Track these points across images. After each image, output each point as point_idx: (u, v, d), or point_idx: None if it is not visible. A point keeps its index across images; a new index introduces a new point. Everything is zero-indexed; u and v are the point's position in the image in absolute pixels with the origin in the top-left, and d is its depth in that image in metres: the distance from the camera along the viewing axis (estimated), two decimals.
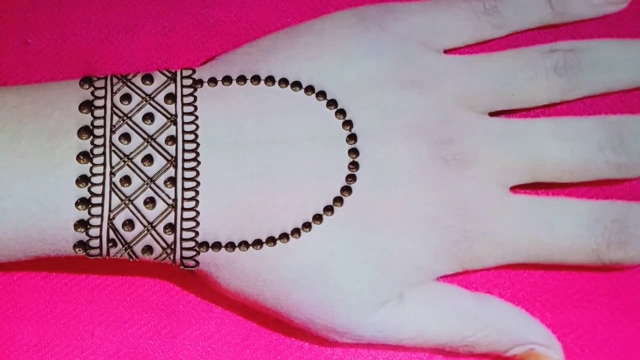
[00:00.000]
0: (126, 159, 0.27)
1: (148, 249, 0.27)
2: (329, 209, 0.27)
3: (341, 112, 0.28)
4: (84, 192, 0.26)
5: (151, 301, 0.31)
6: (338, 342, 0.29)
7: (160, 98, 0.28)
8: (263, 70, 0.28)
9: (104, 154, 0.27)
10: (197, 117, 0.28)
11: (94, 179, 0.27)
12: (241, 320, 0.31)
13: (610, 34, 0.32)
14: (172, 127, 0.27)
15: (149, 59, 0.33)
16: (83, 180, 0.26)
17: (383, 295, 0.28)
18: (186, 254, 0.27)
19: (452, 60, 0.30)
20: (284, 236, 0.27)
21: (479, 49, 0.31)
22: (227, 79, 0.28)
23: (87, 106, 0.27)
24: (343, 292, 0.27)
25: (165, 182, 0.27)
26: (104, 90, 0.28)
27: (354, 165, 0.28)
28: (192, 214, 0.27)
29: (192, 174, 0.27)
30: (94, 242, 0.27)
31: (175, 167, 0.27)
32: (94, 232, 0.27)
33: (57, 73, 0.32)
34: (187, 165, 0.27)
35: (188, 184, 0.27)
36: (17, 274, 0.31)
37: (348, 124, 0.28)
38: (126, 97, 0.28)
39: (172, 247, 0.27)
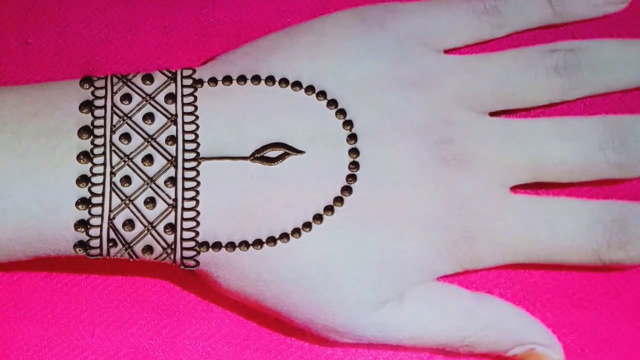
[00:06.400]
0: (126, 159, 0.27)
1: (148, 248, 0.27)
2: (329, 209, 0.27)
3: (341, 112, 0.28)
4: (84, 192, 0.27)
5: (151, 301, 0.31)
6: (338, 342, 0.29)
7: (160, 98, 0.28)
8: (263, 70, 0.28)
9: (104, 153, 0.27)
10: (197, 117, 0.28)
11: (94, 179, 0.27)
12: (241, 320, 0.31)
13: (610, 34, 0.32)
14: (173, 127, 0.27)
15: (149, 59, 0.33)
16: (83, 180, 0.27)
17: (383, 295, 0.28)
18: (186, 253, 0.27)
19: (452, 60, 0.30)
20: (284, 236, 0.27)
21: (479, 49, 0.31)
22: (227, 79, 0.28)
23: (87, 106, 0.27)
24: (343, 292, 0.27)
25: (165, 182, 0.27)
26: (104, 90, 0.28)
27: (355, 165, 0.28)
28: (192, 213, 0.27)
29: (192, 173, 0.27)
30: (94, 242, 0.27)
31: (176, 167, 0.27)
32: (94, 232, 0.27)
33: (57, 73, 0.32)
34: (187, 165, 0.27)
35: (188, 184, 0.27)
36: (17, 274, 0.31)
37: (348, 123, 0.28)
38: (126, 97, 0.28)
39: (173, 247, 0.27)
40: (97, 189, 0.27)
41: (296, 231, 0.27)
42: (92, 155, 0.27)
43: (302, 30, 0.30)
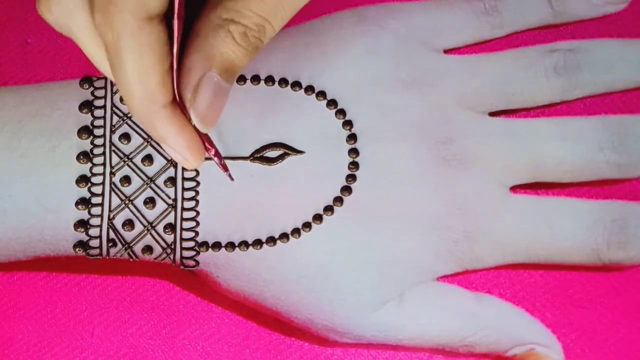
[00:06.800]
0: (126, 159, 0.27)
1: (148, 248, 0.27)
2: (329, 209, 0.27)
3: (341, 112, 0.28)
4: (84, 192, 0.27)
5: (151, 301, 0.31)
6: (338, 342, 0.29)
7: None
8: (263, 70, 0.28)
9: (104, 153, 0.27)
10: None
11: (94, 179, 0.27)
12: (241, 320, 0.31)
13: (610, 34, 0.32)
14: None
15: None
16: (83, 180, 0.27)
17: (383, 295, 0.28)
18: (186, 253, 0.27)
19: (452, 60, 0.30)
20: (284, 236, 0.27)
21: (479, 48, 0.31)
22: None
23: (87, 106, 0.27)
24: (343, 292, 0.27)
25: (165, 182, 0.27)
26: (103, 90, 0.28)
27: (354, 165, 0.28)
28: (192, 213, 0.27)
29: (192, 173, 0.27)
30: (94, 242, 0.27)
31: (175, 166, 0.27)
32: (93, 232, 0.27)
33: (57, 73, 0.32)
34: None
35: (188, 184, 0.27)
36: (17, 274, 0.31)
37: (348, 124, 0.28)
38: None
39: (172, 247, 0.27)
40: (97, 189, 0.27)
41: (296, 231, 0.27)
42: (91, 155, 0.27)
43: (302, 31, 0.30)
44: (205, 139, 0.24)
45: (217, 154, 0.25)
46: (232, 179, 0.26)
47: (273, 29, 0.22)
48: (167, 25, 0.21)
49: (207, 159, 0.27)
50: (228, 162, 0.27)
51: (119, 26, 0.20)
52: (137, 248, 0.27)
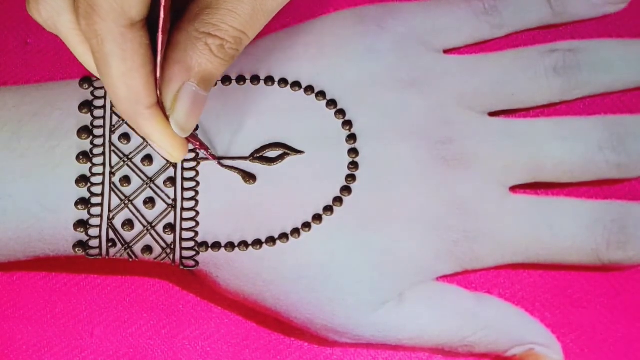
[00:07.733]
0: (126, 159, 0.27)
1: (148, 249, 0.27)
2: (328, 209, 0.27)
3: (341, 112, 0.28)
4: (83, 192, 0.27)
5: (151, 301, 0.31)
6: (337, 342, 0.29)
7: None
8: (263, 70, 0.28)
9: (103, 153, 0.27)
10: None
11: (94, 179, 0.27)
12: (241, 320, 0.31)
13: (610, 34, 0.32)
14: None
15: None
16: (83, 180, 0.27)
17: (383, 295, 0.28)
18: (186, 253, 0.27)
19: (451, 60, 0.30)
20: (284, 236, 0.27)
21: (479, 49, 0.31)
22: (226, 79, 0.28)
23: (86, 106, 0.27)
24: (343, 292, 0.27)
25: (164, 182, 0.27)
26: (103, 90, 0.28)
27: (354, 165, 0.28)
28: (191, 214, 0.27)
29: (191, 174, 0.27)
30: (94, 242, 0.27)
31: (175, 167, 0.27)
32: (93, 232, 0.27)
33: (57, 73, 0.32)
34: (187, 165, 0.27)
35: (188, 184, 0.27)
36: (17, 274, 0.31)
37: (348, 124, 0.28)
38: None
39: (172, 247, 0.27)
40: (97, 189, 0.27)
41: (295, 231, 0.27)
42: (91, 155, 0.27)
43: (302, 31, 0.30)
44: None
45: (202, 145, 0.26)
46: (216, 159, 0.27)
47: (248, 38, 0.23)
48: (149, 30, 0.22)
49: (191, 151, 0.27)
50: (229, 163, 0.27)
51: (103, 33, 0.21)
52: (137, 248, 0.27)
